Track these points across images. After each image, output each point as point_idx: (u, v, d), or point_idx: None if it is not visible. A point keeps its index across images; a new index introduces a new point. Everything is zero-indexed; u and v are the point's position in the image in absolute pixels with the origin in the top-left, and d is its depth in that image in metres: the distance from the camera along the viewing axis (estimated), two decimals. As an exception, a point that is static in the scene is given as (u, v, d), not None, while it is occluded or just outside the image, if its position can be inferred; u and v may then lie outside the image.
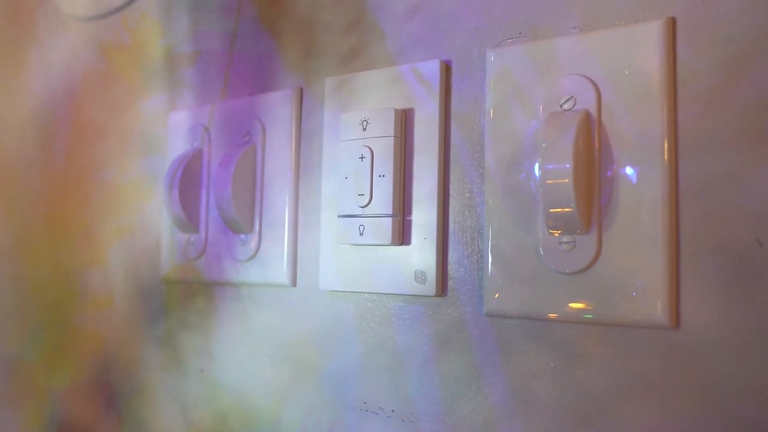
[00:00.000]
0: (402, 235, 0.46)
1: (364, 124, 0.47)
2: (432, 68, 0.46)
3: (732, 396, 0.35)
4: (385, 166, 0.45)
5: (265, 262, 0.54)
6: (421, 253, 0.45)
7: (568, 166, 0.38)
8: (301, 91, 0.54)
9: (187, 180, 0.58)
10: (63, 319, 0.73)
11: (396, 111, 0.46)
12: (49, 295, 0.75)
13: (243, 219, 0.54)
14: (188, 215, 0.58)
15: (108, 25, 0.72)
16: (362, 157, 0.46)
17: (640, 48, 0.38)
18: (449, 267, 0.45)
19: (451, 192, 0.45)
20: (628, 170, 0.38)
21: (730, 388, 0.35)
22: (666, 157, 0.37)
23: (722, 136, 0.36)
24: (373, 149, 0.46)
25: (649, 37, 0.38)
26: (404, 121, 0.46)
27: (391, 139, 0.46)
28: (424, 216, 0.45)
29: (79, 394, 0.70)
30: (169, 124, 0.63)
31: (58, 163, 0.76)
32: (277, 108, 0.55)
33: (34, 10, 0.81)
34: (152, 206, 0.65)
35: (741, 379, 0.35)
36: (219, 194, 0.54)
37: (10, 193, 0.82)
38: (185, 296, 0.61)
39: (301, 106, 0.54)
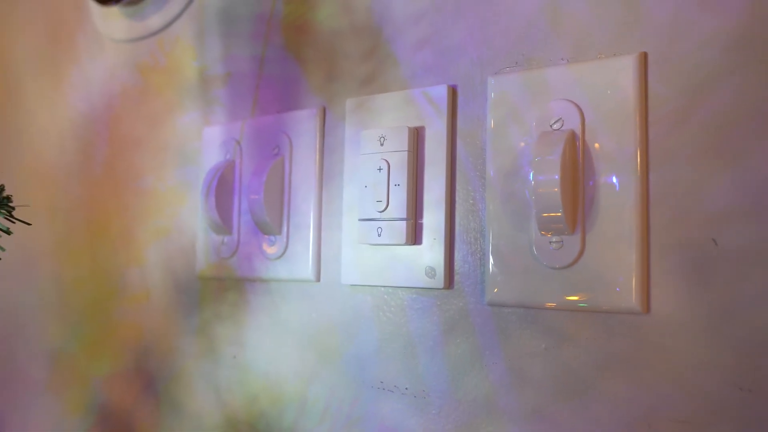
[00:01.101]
0: (414, 236, 0.52)
1: (382, 140, 0.53)
2: (440, 92, 0.52)
3: (693, 369, 0.41)
4: (400, 177, 0.52)
5: (293, 260, 0.61)
6: (431, 251, 0.52)
7: (556, 177, 0.44)
8: (325, 110, 0.61)
9: (222, 188, 0.64)
10: (103, 314, 0.79)
11: (409, 129, 0.52)
12: (90, 291, 0.82)
13: (273, 222, 0.61)
14: (223, 219, 0.64)
15: (145, 47, 0.79)
16: (380, 169, 0.53)
17: (618, 77, 0.45)
18: (455, 263, 0.51)
19: (456, 199, 0.52)
20: (607, 180, 0.45)
21: (692, 363, 0.41)
22: (638, 170, 0.44)
23: (685, 152, 0.42)
24: (389, 162, 0.53)
25: (625, 69, 0.45)
26: (416, 137, 0.53)
27: (405, 153, 0.52)
28: (433, 219, 0.52)
29: (120, 381, 0.77)
30: (203, 138, 0.70)
31: (98, 171, 0.83)
32: (303, 124, 0.61)
33: (75, 32, 0.88)
34: (187, 210, 0.72)
35: (701, 355, 0.41)
36: (252, 200, 0.61)
37: (52, 199, 0.88)
38: (219, 291, 0.68)
39: (324, 123, 0.61)
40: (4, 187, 0.38)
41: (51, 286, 0.87)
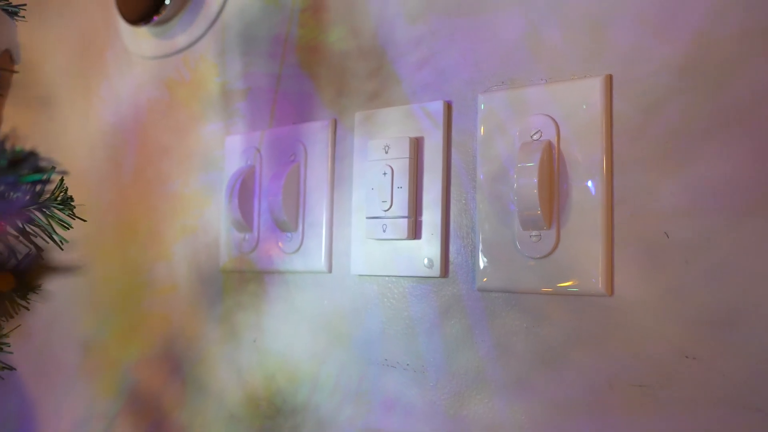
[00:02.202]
0: (415, 231, 0.60)
1: (386, 149, 0.61)
2: (437, 107, 0.60)
3: (648, 341, 0.48)
4: (402, 180, 0.59)
5: (307, 254, 0.68)
6: (429, 245, 0.59)
7: (535, 181, 0.51)
8: (336, 122, 0.68)
9: (244, 190, 0.72)
10: (133, 304, 0.87)
11: (410, 139, 0.60)
12: (120, 285, 0.89)
13: (289, 220, 0.68)
14: (244, 218, 0.72)
15: (171, 63, 0.86)
16: (385, 174, 0.60)
17: (587, 96, 0.52)
18: (450, 255, 0.59)
19: (451, 199, 0.59)
20: (578, 184, 0.52)
21: (647, 336, 0.48)
22: (604, 175, 0.51)
23: (643, 159, 0.50)
24: (393, 167, 0.60)
25: (593, 88, 0.52)
26: (417, 146, 0.60)
27: (407, 160, 0.60)
28: (431, 217, 0.59)
29: (149, 366, 0.84)
30: (226, 146, 0.77)
31: (127, 177, 0.90)
32: (317, 135, 0.69)
33: (105, 49, 0.95)
34: (211, 211, 0.79)
35: (654, 329, 0.48)
36: (271, 201, 0.68)
37: (83, 202, 0.96)
38: (240, 283, 0.75)
39: (335, 134, 0.68)
40: (67, 188, 0.44)
41: (84, 280, 0.95)
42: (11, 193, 0.29)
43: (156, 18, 0.84)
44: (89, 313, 0.93)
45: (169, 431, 0.80)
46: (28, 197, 0.31)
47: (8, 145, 0.30)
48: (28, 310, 0.36)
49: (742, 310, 0.45)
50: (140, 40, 0.90)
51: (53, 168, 0.36)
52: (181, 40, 0.85)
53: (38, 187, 0.33)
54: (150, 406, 0.83)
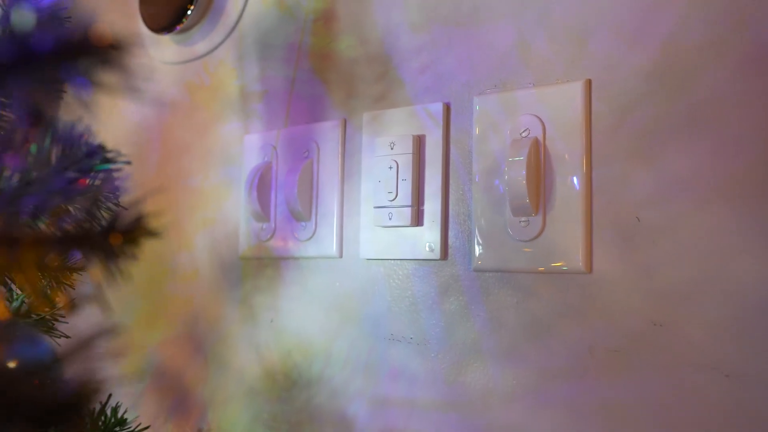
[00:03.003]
0: (418, 219, 0.66)
1: (392, 145, 0.67)
2: (437, 108, 0.66)
3: (622, 312, 0.55)
4: (406, 173, 0.66)
5: (320, 240, 0.75)
6: (430, 231, 0.66)
7: (523, 173, 0.58)
8: (345, 121, 0.75)
9: (262, 184, 0.78)
10: (158, 290, 0.93)
11: (413, 136, 0.66)
12: (145, 272, 0.95)
13: (304, 211, 0.75)
14: (262, 209, 0.78)
15: (192, 68, 0.93)
16: (390, 167, 0.67)
17: (570, 98, 0.59)
18: (449, 240, 0.65)
19: (450, 190, 0.66)
20: (562, 175, 0.59)
21: (621, 307, 0.55)
22: (584, 167, 0.57)
23: (617, 154, 0.56)
24: (398, 162, 0.67)
25: (575, 91, 0.59)
26: (419, 143, 0.67)
27: (410, 156, 0.66)
28: (432, 206, 0.66)
29: (173, 346, 0.90)
30: (244, 144, 0.84)
31: (150, 172, 0.97)
32: (328, 133, 0.75)
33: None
34: (230, 203, 0.85)
35: (627, 301, 0.55)
36: (287, 194, 0.75)
37: (109, 195, 1.02)
38: (258, 268, 0.82)
39: (345, 132, 0.75)
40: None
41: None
42: (89, 179, 0.36)
43: (178, 27, 0.91)
44: (117, 298, 1.00)
45: (193, 405, 0.87)
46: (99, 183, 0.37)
47: (84, 139, 0.36)
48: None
49: (703, 284, 0.52)
50: (163, 47, 0.96)
51: (120, 158, 0.42)
52: (202, 47, 0.91)
53: (108, 174, 0.40)
54: (175, 382, 0.90)
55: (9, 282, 0.24)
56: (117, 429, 0.52)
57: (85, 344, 0.23)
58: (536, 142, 0.60)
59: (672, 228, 0.53)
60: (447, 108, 0.67)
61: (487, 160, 0.63)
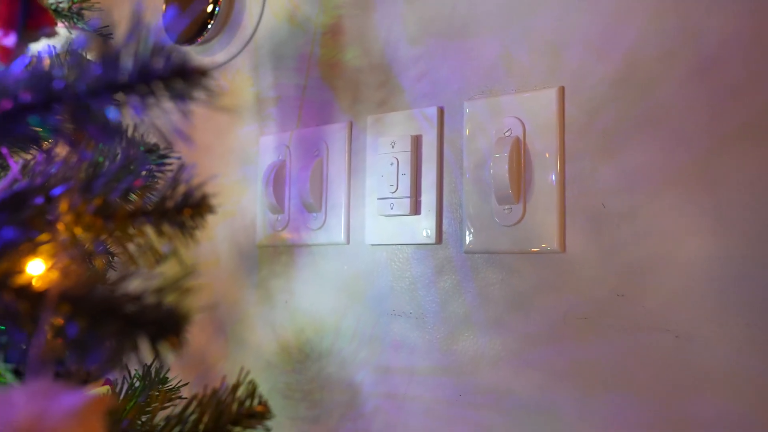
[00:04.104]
0: (416, 208, 0.75)
1: (393, 144, 0.76)
2: (432, 111, 0.75)
3: (591, 285, 0.63)
4: (406, 169, 0.75)
5: (329, 229, 0.83)
6: (426, 219, 0.74)
7: (506, 167, 0.66)
8: (351, 124, 0.83)
9: (277, 180, 0.87)
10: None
11: (412, 136, 0.75)
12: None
13: (315, 203, 0.83)
14: (278, 202, 0.87)
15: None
16: (392, 164, 0.75)
17: (546, 103, 0.67)
18: (443, 226, 0.74)
19: (444, 183, 0.74)
20: (539, 169, 0.67)
21: (590, 281, 0.63)
22: (558, 162, 0.66)
23: (587, 151, 0.65)
24: (398, 159, 0.75)
25: (550, 97, 0.67)
26: (417, 142, 0.75)
27: (409, 153, 0.75)
28: (428, 197, 0.74)
29: (197, 326, 0.99)
30: (260, 144, 0.92)
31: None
32: (336, 134, 0.84)
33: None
34: (248, 198, 0.94)
35: (595, 276, 0.63)
36: (300, 188, 0.83)
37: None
38: (273, 255, 0.90)
39: (351, 133, 0.83)
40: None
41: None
42: (148, 172, 0.44)
43: (199, 40, 0.99)
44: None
45: (215, 379, 0.95)
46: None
47: (143, 138, 0.44)
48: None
49: (658, 260, 0.60)
50: (184, 56, 1.04)
51: (173, 154, 0.51)
52: (220, 56, 1.00)
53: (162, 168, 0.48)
54: (198, 359, 0.98)
55: (110, 246, 0.32)
56: (160, 386, 0.61)
57: (176, 281, 0.31)
58: (517, 140, 0.68)
59: (632, 213, 0.62)
60: (441, 111, 0.75)
61: (476, 156, 0.71)
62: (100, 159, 0.34)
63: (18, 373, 0.41)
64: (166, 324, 0.29)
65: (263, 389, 0.89)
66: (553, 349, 0.65)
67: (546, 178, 0.67)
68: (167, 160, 0.50)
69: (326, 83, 0.87)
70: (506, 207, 0.68)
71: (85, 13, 0.62)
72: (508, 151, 0.67)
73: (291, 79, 0.91)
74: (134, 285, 0.30)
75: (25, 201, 0.32)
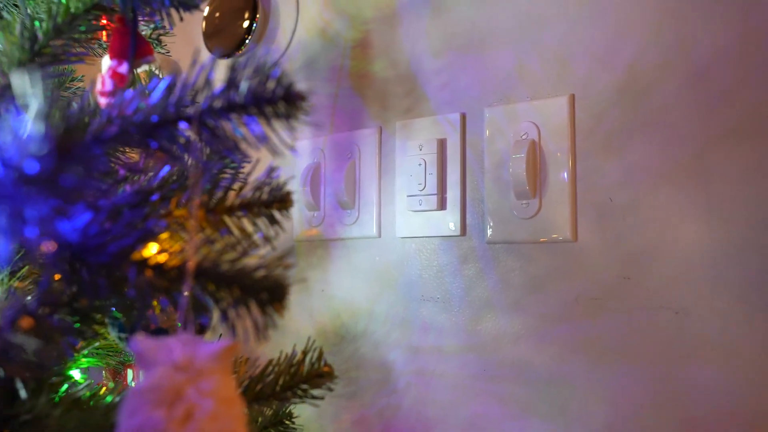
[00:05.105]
0: (442, 204, 0.83)
1: (420, 147, 0.84)
2: (456, 117, 0.83)
3: (600, 270, 0.71)
4: (432, 169, 0.82)
5: (362, 224, 0.91)
6: (452, 213, 0.82)
7: (523, 166, 0.74)
8: (381, 129, 0.91)
9: (314, 180, 0.95)
10: (224, 270, 1.10)
11: (437, 140, 0.83)
12: (212, 256, 1.12)
13: (349, 201, 0.91)
14: (314, 200, 0.95)
15: (249, 87, 1.09)
16: (420, 164, 0.83)
17: (558, 108, 0.75)
18: (467, 219, 0.82)
19: (467, 181, 0.82)
20: (553, 167, 0.75)
21: (599, 266, 0.71)
22: (570, 162, 0.74)
23: (594, 151, 0.72)
24: (425, 160, 0.83)
25: (562, 103, 0.75)
26: (442, 145, 0.83)
27: (435, 155, 0.82)
28: (453, 194, 0.82)
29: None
30: (297, 148, 1.00)
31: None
32: (367, 138, 0.92)
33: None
34: (285, 197, 1.02)
35: (603, 262, 0.71)
36: (335, 188, 0.91)
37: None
38: (310, 249, 0.98)
39: (381, 137, 0.91)
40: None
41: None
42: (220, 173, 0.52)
43: (238, 54, 1.07)
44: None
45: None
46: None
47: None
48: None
49: (659, 246, 0.68)
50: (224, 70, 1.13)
51: (245, 157, 0.59)
52: (257, 68, 1.08)
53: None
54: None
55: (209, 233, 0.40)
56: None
57: (279, 258, 0.39)
58: (533, 143, 0.76)
59: (635, 206, 0.69)
60: (463, 117, 0.83)
61: (496, 157, 0.79)
62: (211, 163, 0.43)
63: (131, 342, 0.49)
64: (273, 292, 0.37)
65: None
66: (567, 327, 0.73)
67: (559, 175, 0.74)
68: (242, 164, 0.58)
69: (356, 92, 0.94)
70: (524, 202, 0.76)
71: (162, 38, 0.71)
72: (525, 152, 0.74)
73: (324, 89, 0.99)
74: (248, 261, 0.38)
75: (146, 198, 0.40)
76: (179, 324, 0.35)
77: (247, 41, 1.06)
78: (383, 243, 0.90)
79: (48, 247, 0.28)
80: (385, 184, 0.90)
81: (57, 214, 0.27)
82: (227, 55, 1.08)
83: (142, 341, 0.32)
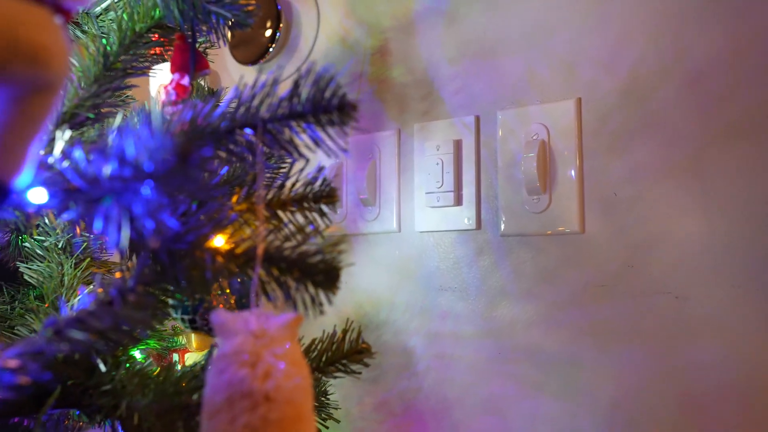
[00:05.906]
0: (458, 200, 0.88)
1: (438, 148, 0.89)
2: (470, 120, 0.88)
3: (606, 259, 0.77)
4: (449, 167, 0.88)
5: (383, 220, 0.97)
6: (468, 209, 0.88)
7: (534, 165, 0.80)
8: (400, 131, 0.97)
9: (336, 179, 1.01)
10: (250, 265, 1.16)
11: (453, 140, 0.88)
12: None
13: (370, 198, 0.97)
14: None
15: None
16: (437, 164, 0.89)
17: (566, 111, 0.80)
18: (482, 214, 0.87)
19: (481, 179, 0.88)
20: (562, 166, 0.80)
21: (605, 256, 0.77)
22: (577, 160, 0.79)
23: (600, 150, 0.78)
24: (443, 159, 0.89)
25: (569, 107, 0.80)
26: (458, 145, 0.89)
27: (452, 155, 0.88)
28: (468, 191, 0.88)
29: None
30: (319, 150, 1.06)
31: (240, 174, 1.19)
32: (387, 140, 0.97)
33: (218, 83, 1.25)
34: (309, 196, 1.08)
35: (609, 252, 0.76)
36: (357, 186, 0.97)
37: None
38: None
39: (400, 139, 0.97)
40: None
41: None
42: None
43: (262, 61, 1.13)
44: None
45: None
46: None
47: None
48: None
49: (660, 237, 0.73)
50: (247, 75, 1.19)
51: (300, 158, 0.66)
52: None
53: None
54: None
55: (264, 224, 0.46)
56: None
57: (333, 244, 0.45)
58: (543, 143, 0.81)
59: (639, 200, 0.75)
60: (477, 119, 0.89)
61: (508, 156, 0.85)
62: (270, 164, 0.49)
63: (193, 322, 0.55)
64: (327, 274, 0.43)
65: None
66: (576, 313, 0.79)
67: (567, 172, 0.80)
68: (284, 163, 0.65)
69: (376, 96, 1.00)
70: (535, 197, 0.82)
71: (208, 52, 0.77)
72: (536, 151, 0.80)
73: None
74: (306, 248, 0.44)
75: (214, 194, 0.46)
76: (244, 302, 0.41)
77: (270, 49, 1.12)
78: (403, 237, 0.96)
79: (157, 236, 0.34)
80: (404, 182, 0.96)
81: (164, 209, 0.33)
82: (252, 62, 1.14)
83: (223, 314, 0.38)
